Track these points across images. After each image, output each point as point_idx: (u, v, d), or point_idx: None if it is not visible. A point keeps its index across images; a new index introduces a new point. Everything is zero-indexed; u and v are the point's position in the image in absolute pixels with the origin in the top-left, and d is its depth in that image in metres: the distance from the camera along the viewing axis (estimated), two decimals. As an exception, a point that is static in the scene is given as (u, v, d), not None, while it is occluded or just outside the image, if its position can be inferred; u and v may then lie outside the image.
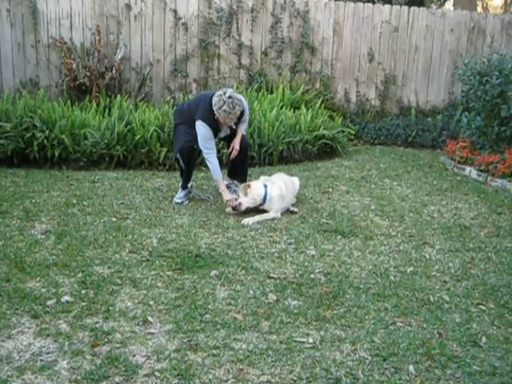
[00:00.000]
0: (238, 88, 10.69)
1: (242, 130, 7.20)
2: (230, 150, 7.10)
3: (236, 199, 6.65)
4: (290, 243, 5.77)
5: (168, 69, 10.96)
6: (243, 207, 6.62)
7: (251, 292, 4.65)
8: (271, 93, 10.81)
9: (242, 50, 11.27)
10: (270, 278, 4.93)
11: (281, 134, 9.16)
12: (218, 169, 6.82)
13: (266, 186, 6.65)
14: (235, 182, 7.29)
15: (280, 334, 4.05)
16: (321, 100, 10.88)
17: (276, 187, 6.66)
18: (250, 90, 10.73)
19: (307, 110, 10.15)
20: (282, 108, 10.02)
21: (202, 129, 6.72)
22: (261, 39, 11.35)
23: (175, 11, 10.84)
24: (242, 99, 6.87)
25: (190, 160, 7.07)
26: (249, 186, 6.65)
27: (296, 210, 6.83)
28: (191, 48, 11.00)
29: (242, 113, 6.92)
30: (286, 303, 4.48)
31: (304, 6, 11.42)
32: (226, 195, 6.75)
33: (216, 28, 11.08)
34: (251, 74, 11.34)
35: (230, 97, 6.58)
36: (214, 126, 6.81)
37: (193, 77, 11.07)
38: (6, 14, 10.23)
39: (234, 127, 6.99)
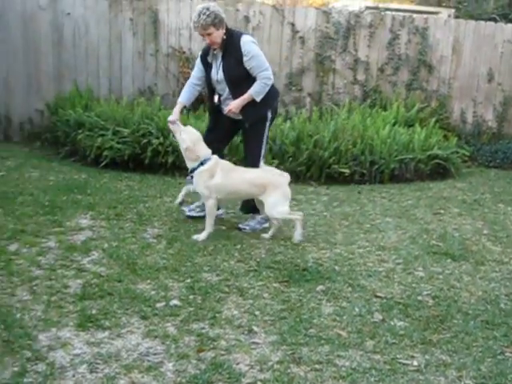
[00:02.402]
0: (350, 104, 10.65)
1: (252, 91, 6.15)
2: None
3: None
4: (398, 263, 5.67)
5: (283, 82, 11.02)
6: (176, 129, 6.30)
7: (357, 310, 4.60)
8: (385, 110, 10.69)
9: (358, 66, 11.22)
10: (376, 296, 4.86)
11: (393, 151, 9.04)
12: (183, 91, 6.58)
13: (209, 159, 6.12)
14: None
15: (384, 354, 3.98)
16: (435, 119, 10.66)
17: (208, 167, 6.09)
18: (363, 106, 10.66)
19: (421, 128, 9.99)
20: (394, 125, 9.89)
21: None
22: (377, 55, 11.27)
23: (293, 24, 10.92)
24: (218, 9, 6.16)
25: None
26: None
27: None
28: (307, 62, 11.05)
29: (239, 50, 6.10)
30: (392, 323, 4.41)
31: (423, 22, 11.27)
32: (172, 115, 6.38)
33: (333, 42, 11.08)
34: (366, 90, 11.27)
35: (201, 6, 6.10)
36: (206, 52, 6.37)
37: (307, 91, 11.11)
38: (129, 23, 10.62)
39: (216, 47, 6.19)
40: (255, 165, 6.31)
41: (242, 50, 6.10)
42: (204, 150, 6.16)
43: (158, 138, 8.70)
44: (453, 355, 4.02)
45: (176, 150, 8.54)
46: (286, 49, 10.97)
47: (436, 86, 11.53)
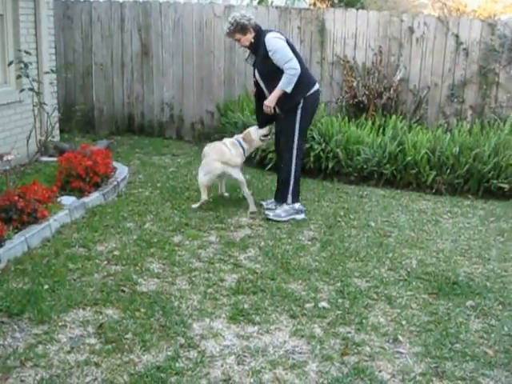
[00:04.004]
0: None
1: (280, 84, 6.52)
2: None
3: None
4: (555, 284, 5.50)
5: (444, 93, 10.87)
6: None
7: (506, 329, 4.57)
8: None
9: (523, 80, 10.87)
10: (527, 317, 4.78)
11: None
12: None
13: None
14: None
15: (532, 377, 3.93)
16: None
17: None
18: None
19: None
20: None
21: None
22: (545, 69, 10.84)
23: (457, 36, 10.71)
24: (242, 16, 6.69)
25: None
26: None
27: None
28: (470, 74, 10.81)
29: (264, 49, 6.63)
30: (543, 347, 4.31)
31: None
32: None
33: (497, 55, 10.77)
34: (531, 105, 10.89)
35: (231, 16, 6.78)
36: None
37: (469, 103, 10.88)
38: (297, 32, 10.89)
39: (244, 49, 7.11)
40: (291, 156, 6.74)
41: (266, 46, 6.57)
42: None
43: (319, 143, 8.91)
44: None
45: (336, 156, 8.80)
46: (449, 60, 10.78)
47: None
